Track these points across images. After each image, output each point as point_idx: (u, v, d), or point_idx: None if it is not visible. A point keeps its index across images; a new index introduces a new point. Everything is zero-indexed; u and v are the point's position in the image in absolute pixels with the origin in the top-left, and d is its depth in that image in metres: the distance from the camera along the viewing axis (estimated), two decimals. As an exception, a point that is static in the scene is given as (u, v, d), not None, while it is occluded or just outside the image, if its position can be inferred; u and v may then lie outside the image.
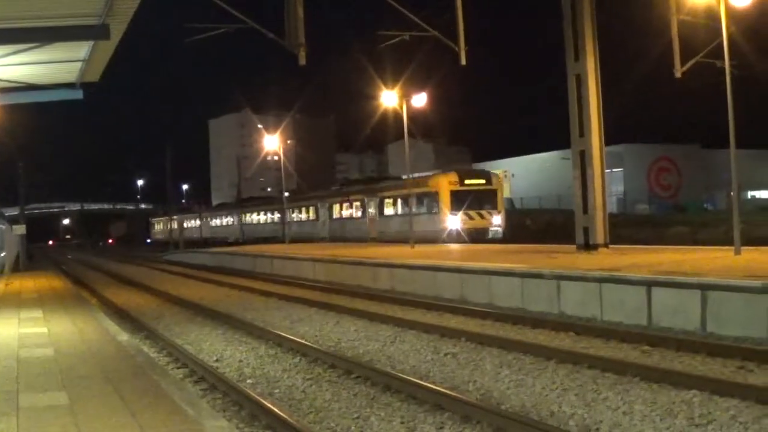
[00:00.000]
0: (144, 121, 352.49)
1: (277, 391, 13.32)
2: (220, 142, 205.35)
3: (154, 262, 65.65)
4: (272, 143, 74.07)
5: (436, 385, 12.44)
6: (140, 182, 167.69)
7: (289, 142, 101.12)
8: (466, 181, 49.48)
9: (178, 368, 15.67)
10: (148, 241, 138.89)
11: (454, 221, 47.78)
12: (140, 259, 73.26)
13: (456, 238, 46.64)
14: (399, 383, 12.77)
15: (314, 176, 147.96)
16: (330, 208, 64.79)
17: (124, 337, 16.78)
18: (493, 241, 47.50)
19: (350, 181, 79.10)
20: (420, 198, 50.80)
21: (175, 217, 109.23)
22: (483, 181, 50.64)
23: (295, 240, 64.26)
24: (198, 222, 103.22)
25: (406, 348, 16.76)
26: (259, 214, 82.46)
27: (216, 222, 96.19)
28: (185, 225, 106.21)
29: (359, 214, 60.33)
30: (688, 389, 11.56)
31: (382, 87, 42.45)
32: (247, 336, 19.53)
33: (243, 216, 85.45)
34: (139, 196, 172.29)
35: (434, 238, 46.68)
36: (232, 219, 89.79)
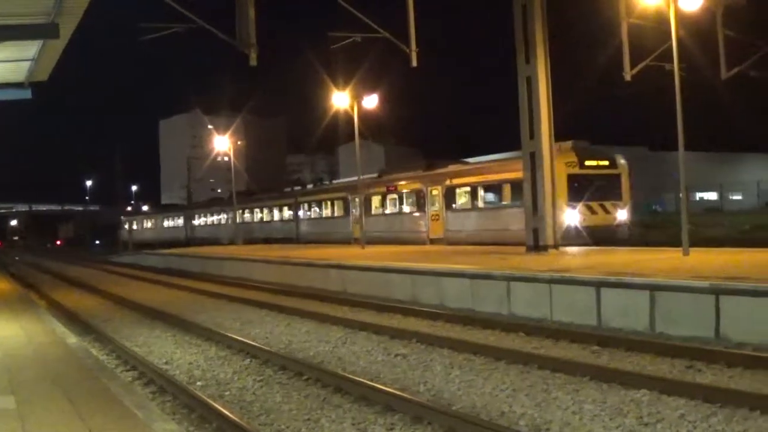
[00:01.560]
0: (94, 121, 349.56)
1: (227, 393, 13.23)
2: (171, 143, 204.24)
3: (104, 264, 64.97)
4: (223, 144, 73.64)
5: (386, 386, 12.41)
6: (89, 183, 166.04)
7: (239, 142, 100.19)
8: (587, 162, 37.04)
9: (127, 371, 15.54)
10: (96, 242, 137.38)
11: (572, 216, 35.67)
12: (90, 261, 72.46)
13: (575, 237, 34.94)
14: (350, 385, 12.73)
15: (265, 177, 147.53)
16: (368, 201, 50.86)
17: (72, 339, 16.61)
18: (619, 241, 35.87)
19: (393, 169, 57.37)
20: (515, 185, 37.05)
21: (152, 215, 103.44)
22: (606, 163, 38.28)
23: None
24: (181, 221, 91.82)
25: (356, 349, 16.73)
26: (257, 213, 72.37)
27: (206, 220, 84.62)
28: (165, 224, 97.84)
29: (410, 209, 48.81)
30: (637, 389, 11.63)
31: (334, 88, 42.46)
32: (197, 338, 19.38)
33: (244, 214, 73.93)
34: (87, 197, 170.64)
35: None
36: (225, 217, 78.08)
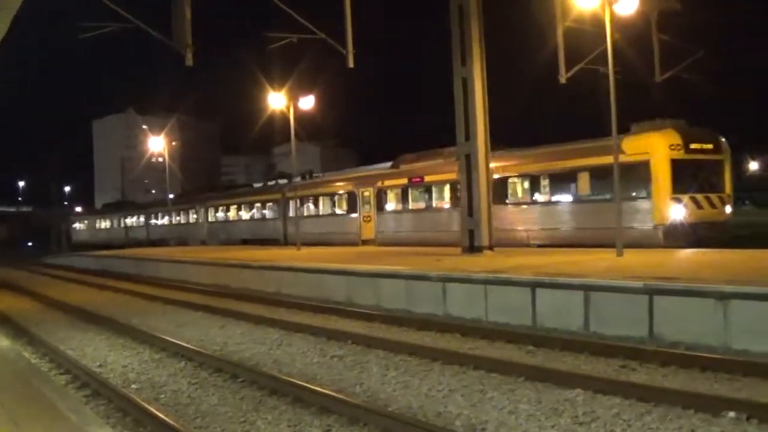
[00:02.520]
0: (27, 121, 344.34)
1: (162, 396, 13.07)
2: (105, 143, 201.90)
3: (38, 266, 64.04)
4: (157, 144, 72.97)
5: (322, 388, 12.33)
6: (21, 184, 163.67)
7: (174, 143, 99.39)
8: (692, 146, 30.51)
9: (60, 374, 15.34)
10: (29, 244, 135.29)
11: (678, 211, 29.51)
12: (22, 263, 71.34)
13: (681, 237, 29.28)
14: (286, 386, 12.65)
15: (200, 178, 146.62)
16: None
17: (4, 342, 16.30)
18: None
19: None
20: (601, 173, 30.57)
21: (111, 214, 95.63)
22: (710, 146, 31.45)
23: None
24: (141, 220, 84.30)
25: (292, 351, 16.64)
26: (233, 210, 64.62)
27: (170, 219, 76.80)
28: (122, 224, 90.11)
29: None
30: (572, 388, 11.71)
31: (270, 89, 42.32)
32: (131, 341, 19.16)
33: (217, 212, 67.08)
34: (20, 198, 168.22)
35: (636, 240, 28.49)
36: (194, 216, 70.83)
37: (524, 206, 35.48)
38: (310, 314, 22.55)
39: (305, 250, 38.88)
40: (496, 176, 33.35)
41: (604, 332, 16.28)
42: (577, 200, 33.00)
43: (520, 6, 35.32)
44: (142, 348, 18.03)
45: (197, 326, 21.25)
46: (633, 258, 22.92)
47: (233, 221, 63.80)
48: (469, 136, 29.20)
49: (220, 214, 66.23)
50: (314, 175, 58.99)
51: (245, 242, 57.68)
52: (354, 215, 46.67)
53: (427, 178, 41.30)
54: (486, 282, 19.61)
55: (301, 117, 44.66)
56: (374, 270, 24.08)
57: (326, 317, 21.79)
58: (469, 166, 29.31)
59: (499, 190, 34.80)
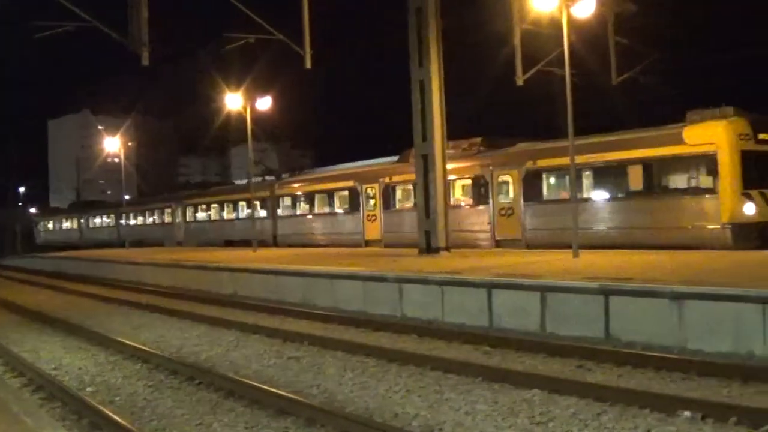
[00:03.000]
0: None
1: (118, 398, 12.95)
2: (60, 144, 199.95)
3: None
4: (113, 145, 72.38)
5: (279, 390, 12.28)
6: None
7: (130, 143, 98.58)
8: (761, 136, 26.95)
9: (15, 377, 15.16)
10: None
11: (749, 208, 26.01)
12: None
13: (752, 237, 25.91)
14: (242, 388, 12.58)
15: (157, 179, 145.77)
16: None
17: (-45, 345, 16.11)
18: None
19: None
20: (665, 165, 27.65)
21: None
22: None
23: None
24: (112, 220, 78.69)
25: (249, 353, 16.56)
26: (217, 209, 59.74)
27: (144, 219, 73.24)
28: (91, 224, 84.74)
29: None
30: (529, 389, 11.73)
31: (227, 89, 42.21)
32: (86, 343, 18.97)
33: (188, 211, 63.62)
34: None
35: (699, 241, 26.15)
36: (170, 216, 66.47)
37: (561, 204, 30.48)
38: (266, 316, 22.47)
39: (262, 252, 38.69)
40: (526, 170, 31.89)
41: (560, 333, 16.35)
42: (627, 196, 29.05)
43: (478, 9, 35.30)
44: (98, 350, 17.86)
45: (153, 328, 21.09)
46: (589, 259, 23.03)
47: (215, 221, 59.06)
48: (426, 137, 29.24)
49: (201, 214, 61.84)
50: (304, 170, 55.89)
51: (229, 244, 52.92)
52: (356, 214, 42.41)
53: None
54: (442, 283, 19.63)
55: (258, 117, 44.59)
56: (331, 271, 24.04)
57: (283, 318, 21.72)
58: (426, 167, 29.34)
59: (533, 186, 31.97)
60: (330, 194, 45.39)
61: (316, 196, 46.84)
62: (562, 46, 24.62)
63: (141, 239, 68.90)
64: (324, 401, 11.86)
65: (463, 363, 13.78)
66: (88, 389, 13.78)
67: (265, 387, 12.44)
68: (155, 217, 70.58)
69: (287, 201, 49.67)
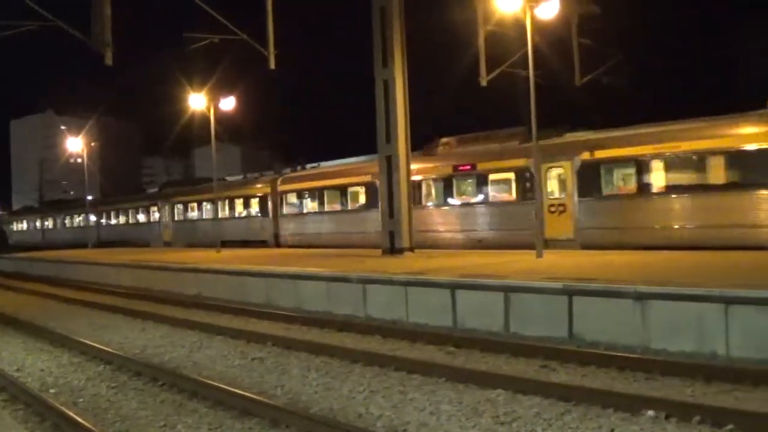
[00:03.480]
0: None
1: (81, 400, 12.81)
2: (23, 144, 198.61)
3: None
4: (76, 145, 71.81)
5: (243, 391, 12.20)
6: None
7: (93, 144, 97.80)
8: None
9: (-25, 379, 14.94)
10: None
11: None
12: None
13: None
14: (206, 389, 12.49)
15: (120, 179, 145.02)
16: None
17: None
18: None
19: None
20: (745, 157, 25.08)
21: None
22: None
23: None
24: (91, 219, 73.65)
25: (213, 354, 16.46)
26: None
27: (127, 218, 68.57)
28: (68, 223, 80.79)
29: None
30: (493, 388, 11.74)
31: (190, 90, 42.04)
32: (49, 344, 18.79)
33: (176, 209, 59.74)
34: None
35: None
36: (156, 215, 62.57)
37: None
38: (230, 316, 22.38)
39: (226, 252, 38.51)
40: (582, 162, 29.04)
41: (524, 333, 16.38)
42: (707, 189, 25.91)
43: (443, 9, 35.37)
44: (60, 351, 17.70)
45: (117, 329, 20.92)
46: (553, 259, 23.12)
47: (207, 220, 54.02)
48: (390, 138, 29.23)
49: (192, 213, 57.45)
50: (309, 165, 52.30)
51: (224, 244, 46.02)
52: (374, 211, 37.62)
53: (480, 166, 33.93)
54: (406, 283, 19.61)
55: (221, 118, 44.50)
56: (294, 272, 23.96)
57: (246, 319, 21.62)
58: (389, 167, 29.33)
59: (590, 180, 28.96)
60: (343, 190, 41.43)
61: (326, 193, 42.94)
62: (526, 47, 24.68)
63: (123, 240, 66.16)
64: (288, 402, 11.81)
65: (428, 363, 13.76)
66: (51, 391, 13.63)
67: (229, 388, 12.35)
68: (140, 215, 65.94)
69: (292, 198, 45.70)
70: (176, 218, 59.75)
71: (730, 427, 9.31)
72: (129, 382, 14.02)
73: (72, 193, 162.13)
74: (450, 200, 35.06)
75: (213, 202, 50.80)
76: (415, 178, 32.98)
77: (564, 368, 13.26)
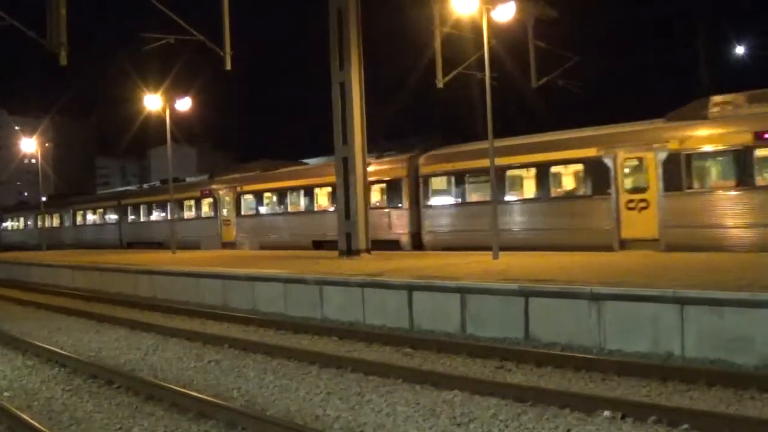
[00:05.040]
0: None
1: (35, 403, 12.66)
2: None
3: None
4: (29, 146, 71.09)
5: (199, 393, 12.11)
6: None
7: (47, 144, 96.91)
8: None
9: (-74, 382, 14.74)
10: None
11: None
12: None
13: None
14: (162, 392, 12.39)
15: (75, 180, 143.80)
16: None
17: None
18: None
19: None
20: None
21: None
22: None
23: None
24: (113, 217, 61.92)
25: (168, 356, 16.35)
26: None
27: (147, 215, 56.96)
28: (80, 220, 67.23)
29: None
30: (450, 389, 11.75)
31: (146, 90, 41.81)
32: (2, 347, 18.54)
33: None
34: None
35: None
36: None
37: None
38: (186, 319, 22.27)
39: (181, 254, 38.30)
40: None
41: (480, 334, 16.44)
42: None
43: (400, 11, 35.46)
44: (14, 354, 17.49)
45: (71, 331, 20.73)
46: (509, 260, 23.21)
47: (294, 214, 42.33)
48: (347, 139, 29.22)
49: (267, 206, 44.86)
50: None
51: (321, 246, 38.39)
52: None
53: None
54: (363, 285, 19.60)
55: (177, 119, 44.28)
56: (250, 273, 23.86)
57: (202, 321, 21.52)
58: (346, 169, 29.33)
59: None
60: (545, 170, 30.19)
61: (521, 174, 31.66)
62: (483, 49, 24.76)
63: (141, 240, 56.83)
64: (245, 404, 11.75)
65: (384, 365, 13.75)
66: (5, 394, 13.46)
67: (185, 390, 12.27)
68: (187, 211, 51.72)
69: (442, 183, 34.07)
70: (243, 212, 46.36)
71: (685, 426, 9.39)
72: (84, 384, 13.88)
73: (26, 194, 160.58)
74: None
75: (305, 190, 40.97)
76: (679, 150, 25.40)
77: (520, 369, 13.32)
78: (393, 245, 34.98)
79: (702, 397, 10.94)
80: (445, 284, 17.65)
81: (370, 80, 29.76)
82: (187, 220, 51.01)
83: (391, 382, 12.59)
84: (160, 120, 43.08)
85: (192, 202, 51.18)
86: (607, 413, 10.04)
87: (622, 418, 9.89)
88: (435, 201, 34.18)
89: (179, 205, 50.37)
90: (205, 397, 11.78)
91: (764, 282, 14.45)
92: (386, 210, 36.18)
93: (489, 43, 24.73)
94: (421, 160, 34.79)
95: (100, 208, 64.70)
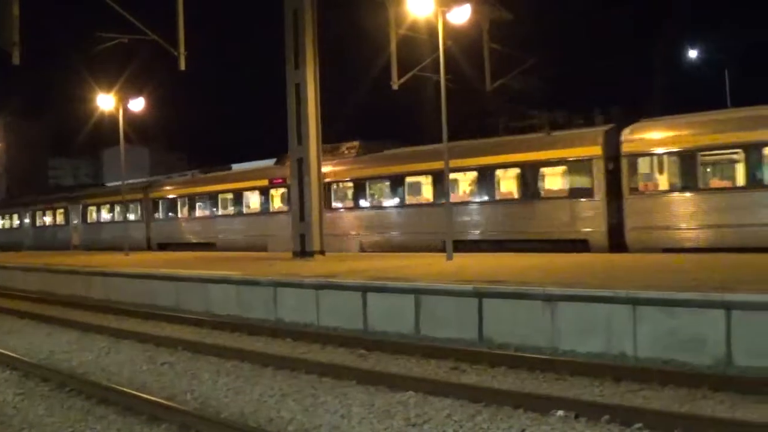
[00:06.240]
0: None
1: (-14, 407, 12.51)
2: None
3: None
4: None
5: (152, 396, 12.01)
6: None
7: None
8: None
9: None
10: None
11: None
12: None
13: None
14: (114, 395, 12.26)
15: (27, 181, 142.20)
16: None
17: None
18: None
19: None
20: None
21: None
22: None
23: None
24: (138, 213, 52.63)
25: (121, 359, 16.19)
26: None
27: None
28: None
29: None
30: (404, 391, 11.73)
31: (99, 90, 41.53)
32: (-50, 350, 18.31)
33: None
34: None
35: None
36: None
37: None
38: (138, 321, 22.07)
39: (134, 255, 38.01)
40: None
41: (435, 335, 16.45)
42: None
43: (356, 12, 35.45)
44: (-37, 358, 17.27)
45: (23, 334, 20.47)
46: (463, 261, 23.28)
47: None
48: (302, 140, 29.19)
49: (395, 198, 35.00)
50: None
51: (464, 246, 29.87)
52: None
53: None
54: (317, 287, 19.56)
55: (131, 119, 44.00)
56: (204, 275, 23.74)
57: (155, 323, 21.35)
58: (300, 170, 29.29)
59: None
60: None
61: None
62: (438, 51, 24.84)
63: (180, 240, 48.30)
64: (198, 406, 11.66)
65: (339, 366, 13.73)
66: (-46, 398, 13.30)
67: (138, 393, 12.15)
68: (257, 203, 42.57)
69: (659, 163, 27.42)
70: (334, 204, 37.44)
71: (638, 425, 9.43)
72: (36, 388, 13.70)
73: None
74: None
75: (435, 176, 32.07)
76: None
77: (474, 370, 13.34)
78: (576, 246, 27.84)
79: (655, 397, 11.02)
80: (400, 285, 17.66)
81: (326, 81, 29.75)
82: (247, 215, 42.39)
83: (346, 384, 12.56)
84: (114, 120, 42.77)
85: (254, 194, 41.92)
86: (560, 413, 10.08)
87: (576, 417, 9.93)
88: (650, 187, 27.19)
89: (236, 197, 43.12)
90: (158, 399, 11.68)
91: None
92: (567, 201, 28.73)
93: (444, 45, 24.81)
94: (628, 132, 27.40)
95: (117, 203, 51.90)
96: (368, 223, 35.52)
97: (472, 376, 12.88)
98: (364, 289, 18.29)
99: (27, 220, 61.57)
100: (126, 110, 41.32)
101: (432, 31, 26.71)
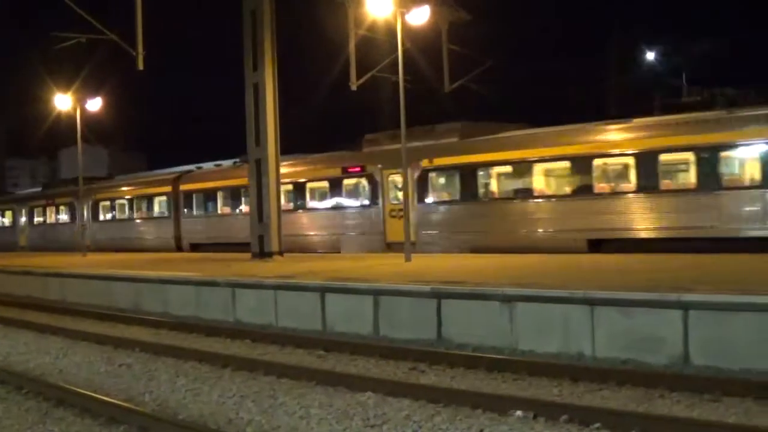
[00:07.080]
0: None
1: (-59, 410, 12.37)
2: None
3: None
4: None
5: (110, 398, 11.94)
6: None
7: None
8: None
9: None
10: None
11: None
12: None
13: None
14: (72, 397, 12.17)
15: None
16: None
17: None
18: None
19: None
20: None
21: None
22: None
23: None
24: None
25: (78, 360, 16.08)
26: None
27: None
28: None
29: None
30: (363, 391, 11.74)
31: (56, 90, 41.22)
32: None
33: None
34: None
35: None
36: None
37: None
38: (96, 322, 21.93)
39: (92, 256, 37.72)
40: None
41: (393, 336, 16.47)
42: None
43: (315, 13, 35.43)
44: None
45: (-23, 336, 20.31)
46: (421, 262, 23.35)
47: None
48: (260, 141, 29.14)
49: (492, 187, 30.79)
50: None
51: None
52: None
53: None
54: (276, 287, 19.53)
55: (89, 119, 43.65)
56: (162, 276, 23.63)
57: (113, 325, 21.22)
58: (258, 171, 29.24)
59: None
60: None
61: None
62: (397, 52, 24.89)
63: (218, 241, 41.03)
64: (156, 408, 11.61)
65: (297, 367, 13.72)
66: None
67: (96, 395, 12.08)
68: (327, 195, 36.16)
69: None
70: (431, 198, 31.84)
71: (597, 425, 9.50)
72: (-8, 390, 13.61)
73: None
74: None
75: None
76: None
77: (433, 370, 13.37)
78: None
79: (613, 396, 11.10)
80: (359, 286, 17.69)
81: (285, 82, 29.72)
82: (313, 210, 36.45)
83: (304, 385, 12.55)
84: (71, 120, 42.42)
85: (323, 184, 35.94)
86: (519, 413, 10.12)
87: (534, 417, 9.98)
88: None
89: (301, 190, 36.77)
90: (116, 401, 11.62)
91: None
92: (754, 191, 23.11)
93: (403, 46, 24.86)
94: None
95: (138, 198, 47.87)
96: (485, 219, 29.65)
97: (431, 377, 12.92)
98: (324, 290, 18.29)
99: (23, 218, 59.03)
100: (84, 110, 41.04)
101: (391, 32, 26.75)
